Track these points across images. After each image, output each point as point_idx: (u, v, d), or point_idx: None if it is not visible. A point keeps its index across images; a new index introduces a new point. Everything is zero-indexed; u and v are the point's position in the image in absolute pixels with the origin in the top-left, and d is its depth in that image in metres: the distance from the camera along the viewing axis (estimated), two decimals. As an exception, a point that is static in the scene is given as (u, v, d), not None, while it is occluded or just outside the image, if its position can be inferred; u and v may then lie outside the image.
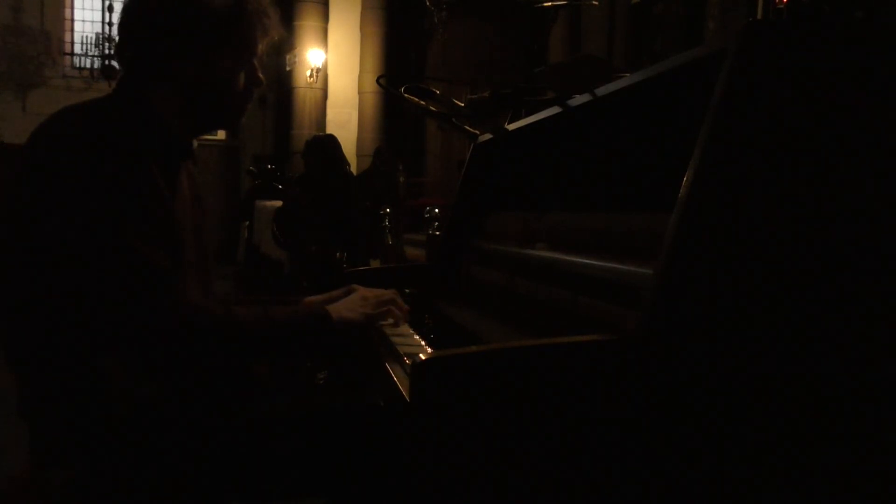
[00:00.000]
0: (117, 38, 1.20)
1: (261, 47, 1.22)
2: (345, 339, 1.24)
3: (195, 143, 1.27)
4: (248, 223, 7.01)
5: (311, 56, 10.45)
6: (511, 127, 1.69)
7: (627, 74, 1.22)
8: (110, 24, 10.04)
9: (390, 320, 1.34)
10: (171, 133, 1.17)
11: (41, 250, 1.04)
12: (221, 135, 11.89)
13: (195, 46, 1.14)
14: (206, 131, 1.29)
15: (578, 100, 1.38)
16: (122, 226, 1.02)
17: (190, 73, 1.15)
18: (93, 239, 1.01)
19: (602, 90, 1.27)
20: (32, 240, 1.05)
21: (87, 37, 10.97)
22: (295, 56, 10.59)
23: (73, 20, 11.17)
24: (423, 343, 1.30)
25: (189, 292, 1.17)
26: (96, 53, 10.56)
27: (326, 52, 10.66)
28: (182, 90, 1.17)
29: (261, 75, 1.24)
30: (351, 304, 1.28)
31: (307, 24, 10.60)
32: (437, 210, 4.92)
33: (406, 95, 1.66)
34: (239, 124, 1.28)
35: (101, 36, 10.38)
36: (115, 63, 9.08)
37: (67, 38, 11.06)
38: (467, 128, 1.83)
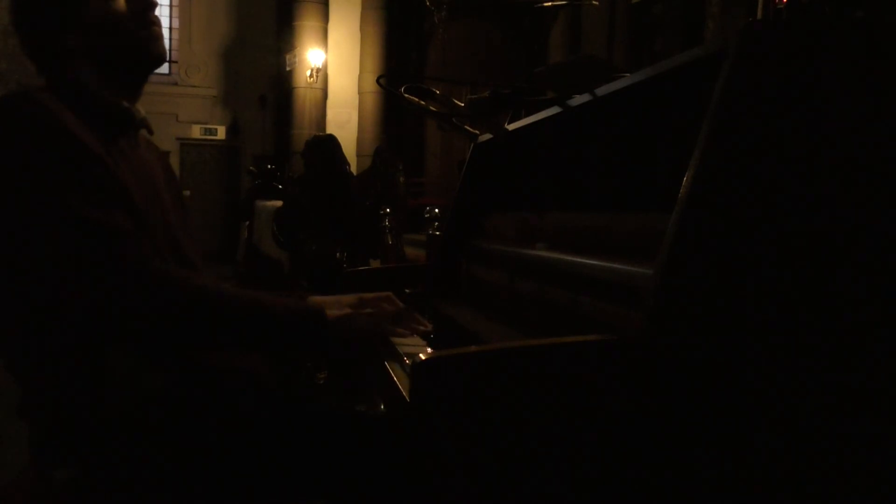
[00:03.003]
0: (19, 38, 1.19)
1: None
2: (341, 349, 1.20)
3: (142, 112, 1.25)
4: (248, 223, 7.00)
5: (311, 56, 10.46)
6: (511, 127, 1.69)
7: (627, 74, 1.22)
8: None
9: (405, 338, 1.30)
10: (101, 100, 1.16)
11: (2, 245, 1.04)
12: (221, 135, 11.90)
13: (67, 8, 1.14)
14: (135, 81, 1.25)
15: (578, 100, 1.38)
16: (61, 193, 1.00)
17: (84, 29, 1.15)
18: (37, 217, 1.00)
19: (602, 90, 1.27)
20: None
21: (86, 37, 10.98)
22: (295, 56, 10.60)
23: (72, 20, 11.16)
24: (423, 343, 1.30)
25: (162, 262, 1.14)
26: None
27: (326, 52, 10.67)
28: (85, 50, 1.16)
29: None
30: (356, 317, 1.21)
31: (307, 24, 10.62)
32: (437, 210, 4.91)
33: (406, 95, 1.66)
34: (161, 55, 1.23)
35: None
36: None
37: (67, 38, 11.06)
38: (467, 128, 1.83)
